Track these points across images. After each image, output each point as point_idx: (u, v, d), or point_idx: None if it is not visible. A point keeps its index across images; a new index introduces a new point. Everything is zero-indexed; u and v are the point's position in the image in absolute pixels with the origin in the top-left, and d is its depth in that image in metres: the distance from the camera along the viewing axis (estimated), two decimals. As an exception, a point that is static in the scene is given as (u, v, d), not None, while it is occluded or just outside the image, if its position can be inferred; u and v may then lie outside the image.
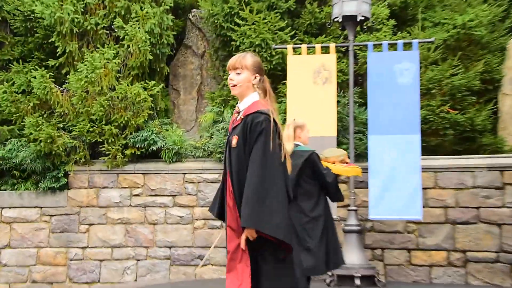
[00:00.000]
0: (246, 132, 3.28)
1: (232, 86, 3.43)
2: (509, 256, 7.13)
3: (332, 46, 7.48)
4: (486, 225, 7.29)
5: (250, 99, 3.41)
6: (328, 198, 5.28)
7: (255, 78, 3.43)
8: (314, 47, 7.63)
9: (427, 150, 7.88)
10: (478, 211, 7.35)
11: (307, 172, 5.14)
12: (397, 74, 7.17)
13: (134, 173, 8.27)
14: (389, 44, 7.41)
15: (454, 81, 8.22)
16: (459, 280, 7.33)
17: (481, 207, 7.35)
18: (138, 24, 8.61)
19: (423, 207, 7.03)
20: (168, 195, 8.19)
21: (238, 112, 3.44)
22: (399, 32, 8.74)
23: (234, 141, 3.30)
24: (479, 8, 8.74)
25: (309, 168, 5.14)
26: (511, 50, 8.40)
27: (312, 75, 7.40)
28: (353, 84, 7.48)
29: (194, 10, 9.78)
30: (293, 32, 8.65)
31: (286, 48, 7.73)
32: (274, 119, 3.28)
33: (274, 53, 8.42)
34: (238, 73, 3.39)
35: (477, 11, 8.63)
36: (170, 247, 8.13)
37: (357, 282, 6.60)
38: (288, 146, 5.03)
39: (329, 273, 6.78)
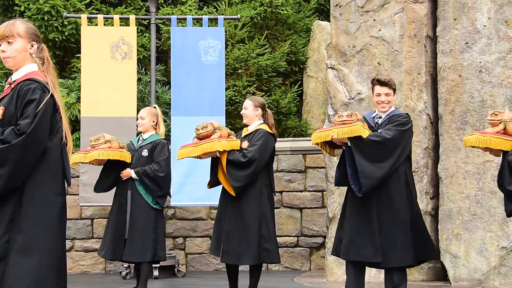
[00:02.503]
0: (16, 101, 3.31)
1: (4, 58, 3.41)
2: (308, 240, 8.08)
3: (132, 18, 7.68)
4: (288, 210, 8.09)
5: (26, 69, 3.43)
6: None
7: (32, 46, 3.44)
8: (112, 18, 7.81)
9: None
10: (281, 195, 8.14)
11: None
12: (202, 51, 7.58)
13: None
14: (194, 19, 7.82)
15: (261, 61, 8.88)
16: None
17: (284, 191, 8.11)
18: None
19: (226, 192, 7.56)
20: None
21: (10, 84, 3.44)
22: (205, 7, 9.20)
23: None
24: (285, -14, 9.41)
25: None
26: (316, 32, 9.37)
27: (109, 49, 7.50)
28: (156, 60, 7.75)
29: (-33, -35, 9.30)
30: (88, 0, 8.68)
31: (80, 17, 7.78)
32: (52, 93, 3.33)
33: (66, 23, 8.41)
34: (10, 42, 3.37)
35: (283, -11, 9.31)
36: None
37: (156, 273, 6.95)
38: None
39: (125, 265, 7.11)
